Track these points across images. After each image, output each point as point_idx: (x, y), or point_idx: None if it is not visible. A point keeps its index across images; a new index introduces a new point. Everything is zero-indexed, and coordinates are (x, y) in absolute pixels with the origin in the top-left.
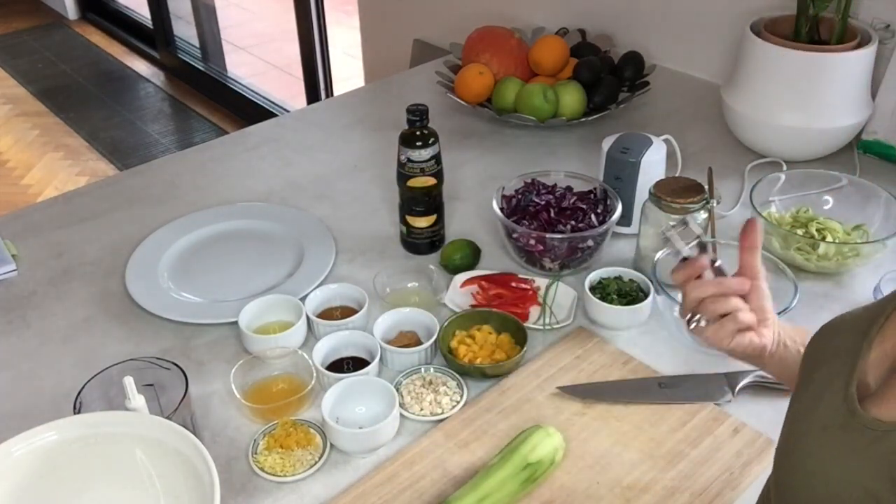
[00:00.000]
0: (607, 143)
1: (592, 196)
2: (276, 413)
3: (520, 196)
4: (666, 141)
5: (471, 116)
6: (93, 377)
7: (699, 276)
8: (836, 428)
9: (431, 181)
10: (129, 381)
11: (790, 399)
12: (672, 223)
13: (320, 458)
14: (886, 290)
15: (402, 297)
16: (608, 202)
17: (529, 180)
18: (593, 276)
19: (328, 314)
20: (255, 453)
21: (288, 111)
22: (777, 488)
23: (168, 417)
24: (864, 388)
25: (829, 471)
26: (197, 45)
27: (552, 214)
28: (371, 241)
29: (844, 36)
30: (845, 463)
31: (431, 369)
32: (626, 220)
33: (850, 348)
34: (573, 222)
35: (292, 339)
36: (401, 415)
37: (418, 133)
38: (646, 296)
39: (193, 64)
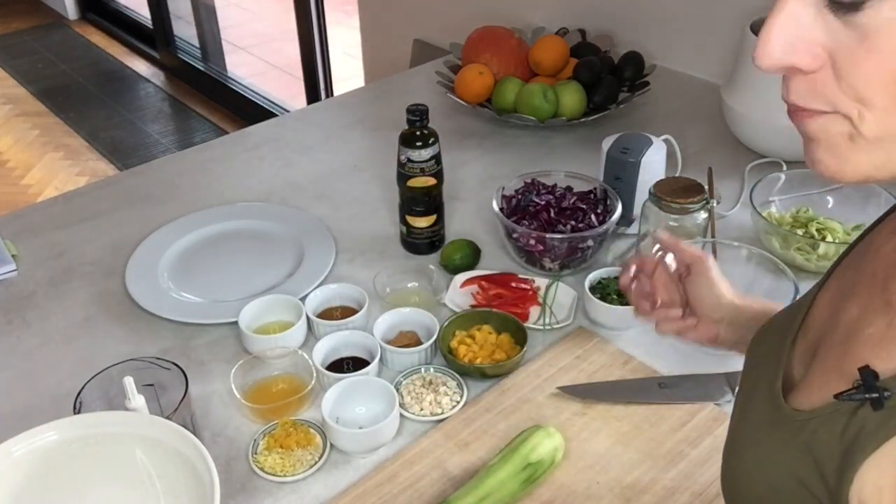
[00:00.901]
0: (607, 143)
1: (592, 196)
2: (276, 413)
3: (520, 196)
4: (666, 141)
5: (471, 116)
6: (93, 377)
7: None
8: (765, 424)
9: (431, 181)
10: (129, 381)
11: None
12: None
13: (320, 458)
14: None
15: (402, 297)
16: (608, 202)
17: (529, 180)
18: (593, 276)
19: (328, 314)
20: (255, 453)
21: (288, 111)
22: (724, 490)
23: (168, 417)
24: (790, 382)
25: (765, 466)
26: (197, 45)
27: (552, 214)
28: (371, 241)
29: None
30: (778, 457)
31: (431, 369)
32: (626, 220)
33: (775, 346)
34: (573, 222)
35: (292, 339)
36: (401, 415)
37: (418, 133)
38: None
39: (193, 64)
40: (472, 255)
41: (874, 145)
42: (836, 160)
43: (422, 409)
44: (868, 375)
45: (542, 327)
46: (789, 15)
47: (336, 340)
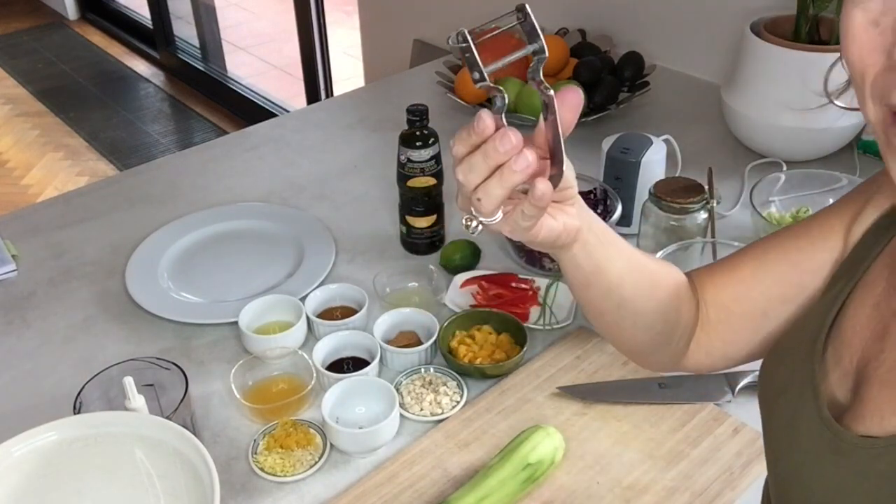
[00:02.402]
0: (607, 143)
1: (592, 196)
2: (276, 413)
3: None
4: (666, 141)
5: (471, 116)
6: (93, 377)
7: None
8: (828, 453)
9: (431, 181)
10: (129, 382)
11: (763, 431)
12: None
13: (320, 459)
14: None
15: (402, 298)
16: (608, 202)
17: None
18: None
19: (328, 314)
20: (255, 453)
21: (288, 111)
22: None
23: (168, 417)
24: (837, 407)
25: (841, 498)
26: (197, 45)
27: None
28: (371, 241)
29: None
30: (855, 487)
31: (431, 369)
32: (626, 220)
33: (804, 370)
34: None
35: (292, 340)
36: (401, 415)
37: (418, 133)
38: None
39: (193, 64)
40: (472, 256)
41: None
42: None
43: (422, 409)
44: None
45: (542, 327)
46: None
47: (336, 340)
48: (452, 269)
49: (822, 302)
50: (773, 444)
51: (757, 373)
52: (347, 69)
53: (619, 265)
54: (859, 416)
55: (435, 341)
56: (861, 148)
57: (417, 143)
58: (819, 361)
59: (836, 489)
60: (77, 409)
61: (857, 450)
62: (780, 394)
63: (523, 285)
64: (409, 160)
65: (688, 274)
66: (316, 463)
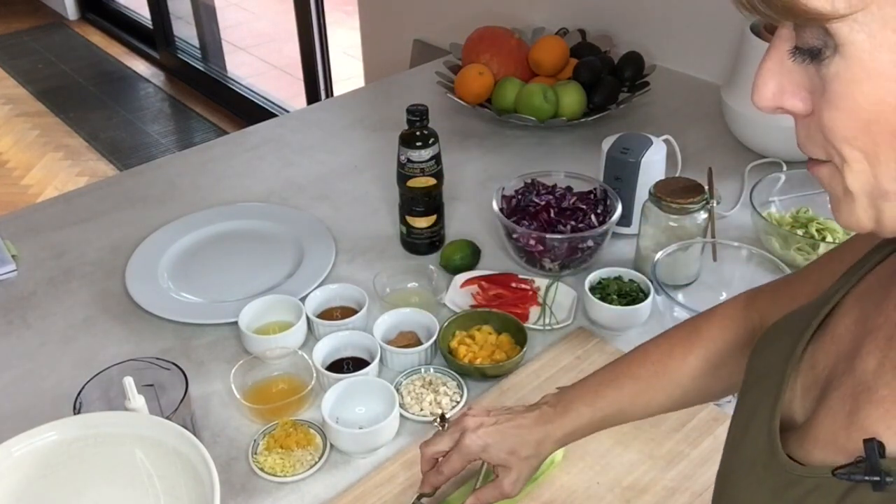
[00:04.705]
0: (607, 144)
1: (592, 196)
2: (275, 413)
3: (520, 196)
4: (666, 141)
5: (471, 117)
6: (93, 377)
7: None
8: (759, 466)
9: (431, 181)
10: (129, 382)
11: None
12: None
13: (320, 459)
14: None
15: (402, 298)
16: (608, 202)
17: (529, 180)
18: (593, 277)
19: (328, 314)
20: (255, 453)
21: (288, 111)
22: None
23: (168, 418)
24: (790, 422)
25: None
26: (197, 45)
27: (552, 215)
28: (371, 241)
29: None
30: None
31: (431, 370)
32: (626, 220)
33: (776, 369)
34: (573, 222)
35: (292, 340)
36: (401, 415)
37: (418, 133)
38: (646, 296)
39: (193, 64)
40: (472, 256)
41: (864, 200)
42: (840, 214)
43: (422, 410)
44: (872, 451)
45: (542, 327)
46: (777, 59)
47: (336, 341)
48: (452, 269)
49: (821, 298)
50: (729, 437)
51: None
52: (347, 69)
53: (659, 403)
54: (803, 437)
55: (435, 341)
56: None
57: (417, 144)
58: (795, 363)
59: (752, 502)
60: (77, 409)
61: (781, 470)
62: (754, 384)
63: (523, 285)
64: (409, 160)
65: (748, 294)
66: (316, 463)
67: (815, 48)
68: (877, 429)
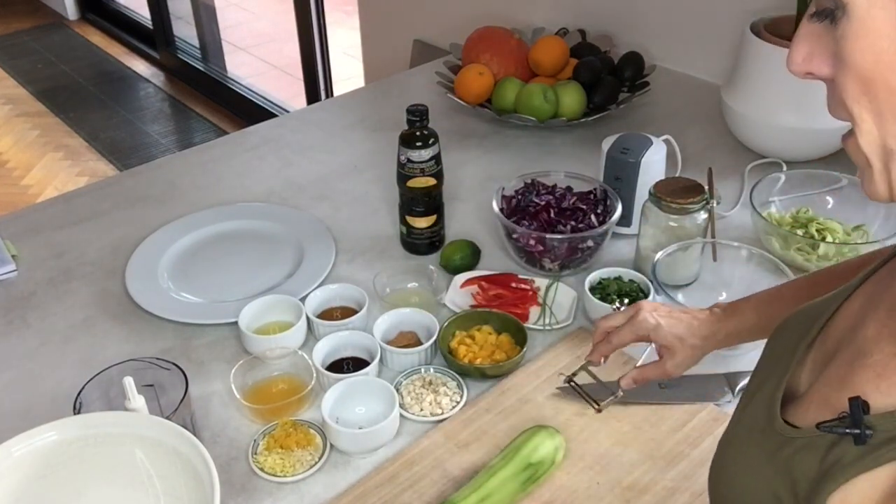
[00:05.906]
0: (607, 144)
1: (592, 196)
2: (275, 413)
3: (520, 196)
4: (666, 141)
5: (471, 117)
6: (93, 377)
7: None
8: (757, 432)
9: (431, 181)
10: (129, 382)
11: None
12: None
13: (320, 459)
14: None
15: (402, 298)
16: (608, 202)
17: (529, 180)
18: (593, 277)
19: (328, 314)
20: (255, 453)
21: (288, 111)
22: (710, 487)
23: (168, 418)
24: (794, 391)
25: (748, 476)
26: (197, 45)
27: (552, 215)
28: (371, 241)
29: None
30: (760, 469)
31: (431, 370)
32: (626, 220)
33: (789, 348)
34: (573, 222)
35: (292, 340)
36: (401, 415)
37: (418, 133)
38: (646, 296)
39: (193, 64)
40: (472, 256)
41: (878, 165)
42: (864, 184)
43: (422, 410)
44: (856, 408)
45: (542, 327)
46: (808, 26)
47: (336, 341)
48: (452, 270)
49: (841, 290)
50: (735, 411)
51: None
52: (347, 69)
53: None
54: (801, 403)
55: (435, 341)
56: None
57: (417, 144)
58: (809, 342)
59: (748, 467)
60: (77, 409)
61: (775, 433)
62: (767, 364)
63: (523, 285)
64: (409, 160)
65: None
66: (316, 463)
67: (829, 9)
68: (865, 389)
